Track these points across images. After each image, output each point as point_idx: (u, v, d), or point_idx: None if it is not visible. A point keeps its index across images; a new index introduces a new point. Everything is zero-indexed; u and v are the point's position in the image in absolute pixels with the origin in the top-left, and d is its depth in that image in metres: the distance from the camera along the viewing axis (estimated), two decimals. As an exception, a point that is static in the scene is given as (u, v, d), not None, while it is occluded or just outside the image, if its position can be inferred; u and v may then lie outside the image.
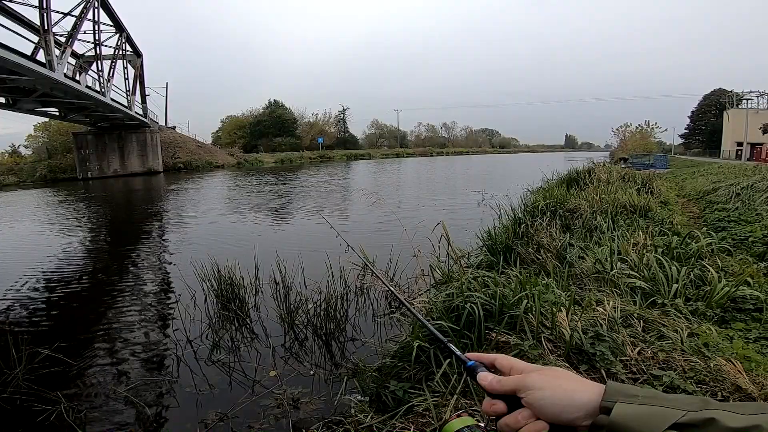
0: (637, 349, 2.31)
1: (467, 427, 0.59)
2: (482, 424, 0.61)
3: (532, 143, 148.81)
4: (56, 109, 27.06)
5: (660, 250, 4.06)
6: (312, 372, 3.54)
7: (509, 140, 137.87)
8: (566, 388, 0.53)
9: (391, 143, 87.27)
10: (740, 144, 43.37)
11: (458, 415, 0.61)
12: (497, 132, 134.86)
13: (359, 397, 2.82)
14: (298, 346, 4.03)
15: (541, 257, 4.48)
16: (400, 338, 3.33)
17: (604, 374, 2.14)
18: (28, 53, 18.78)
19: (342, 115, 77.03)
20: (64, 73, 20.53)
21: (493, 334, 2.58)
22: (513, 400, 0.56)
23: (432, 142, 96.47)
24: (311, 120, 71.71)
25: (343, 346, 4.01)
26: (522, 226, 5.43)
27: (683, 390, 1.98)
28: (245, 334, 4.30)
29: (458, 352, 0.64)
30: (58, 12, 22.10)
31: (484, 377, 0.59)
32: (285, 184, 23.30)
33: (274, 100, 67.65)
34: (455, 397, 2.15)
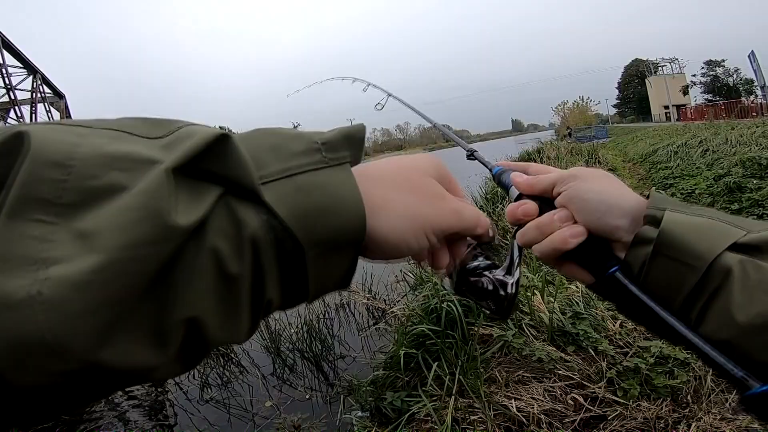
0: (618, 322, 2.38)
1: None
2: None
3: (483, 132, 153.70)
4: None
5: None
6: (308, 396, 3.48)
7: (461, 132, 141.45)
8: (614, 186, 0.47)
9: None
10: (666, 107, 46.72)
11: None
12: (449, 126, 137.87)
13: (359, 414, 2.81)
14: (288, 372, 3.95)
15: (507, 242, 4.62)
16: (388, 348, 3.34)
17: (593, 352, 2.19)
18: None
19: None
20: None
21: (476, 328, 2.63)
22: (546, 203, 0.48)
23: (389, 145, 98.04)
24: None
25: (334, 364, 3.97)
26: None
27: (675, 358, 2.00)
28: (232, 369, 4.17)
29: (484, 161, 0.61)
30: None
31: (518, 175, 0.52)
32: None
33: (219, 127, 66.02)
34: (453, 397, 2.19)
